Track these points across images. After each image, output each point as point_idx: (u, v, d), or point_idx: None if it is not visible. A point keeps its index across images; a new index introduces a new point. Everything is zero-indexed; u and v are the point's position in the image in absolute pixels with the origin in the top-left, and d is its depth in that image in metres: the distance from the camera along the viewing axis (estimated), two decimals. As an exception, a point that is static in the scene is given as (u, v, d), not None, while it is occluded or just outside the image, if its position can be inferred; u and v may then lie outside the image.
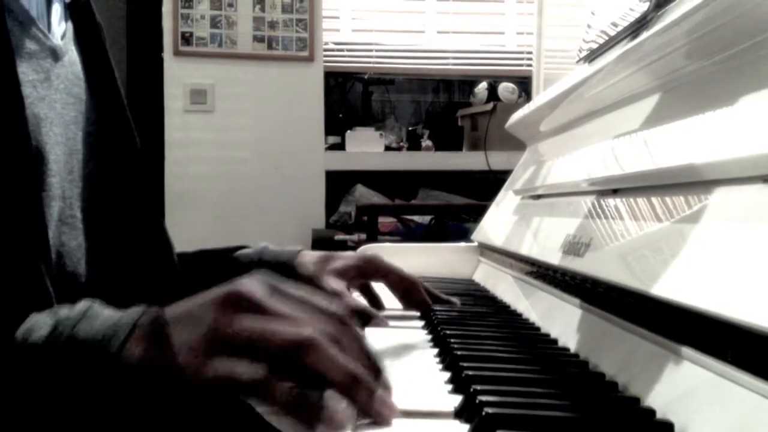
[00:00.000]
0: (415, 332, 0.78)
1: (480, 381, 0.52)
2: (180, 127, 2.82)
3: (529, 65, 3.02)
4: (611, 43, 0.86)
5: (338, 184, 2.93)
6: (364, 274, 0.86)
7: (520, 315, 0.86)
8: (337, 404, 0.46)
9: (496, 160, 2.78)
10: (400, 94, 3.29)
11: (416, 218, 2.80)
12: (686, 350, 0.47)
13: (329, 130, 2.95)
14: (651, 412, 0.47)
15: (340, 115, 3.04)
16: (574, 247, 0.73)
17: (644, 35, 0.71)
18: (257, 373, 0.44)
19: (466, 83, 3.25)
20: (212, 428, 0.70)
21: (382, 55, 3.14)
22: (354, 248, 1.32)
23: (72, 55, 0.74)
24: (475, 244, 1.29)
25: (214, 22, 2.83)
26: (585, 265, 0.69)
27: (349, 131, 2.91)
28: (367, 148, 2.90)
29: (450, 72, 3.22)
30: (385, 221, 2.74)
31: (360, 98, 3.13)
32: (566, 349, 0.67)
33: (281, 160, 2.85)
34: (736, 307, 0.41)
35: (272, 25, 2.86)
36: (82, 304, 0.49)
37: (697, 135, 0.58)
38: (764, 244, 0.42)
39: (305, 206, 2.86)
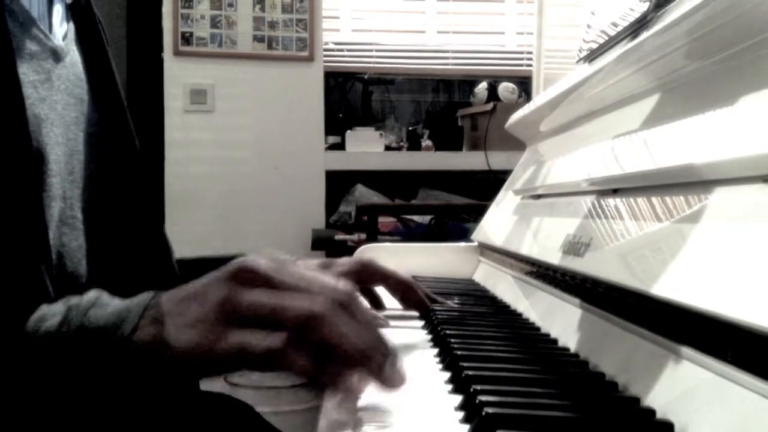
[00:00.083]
0: (415, 332, 0.78)
1: (480, 381, 0.52)
2: (180, 127, 2.82)
3: (529, 65, 3.02)
4: (611, 43, 0.86)
5: (338, 184, 2.93)
6: (362, 279, 0.87)
7: (520, 315, 0.86)
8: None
9: (496, 160, 2.78)
10: (400, 94, 3.29)
11: (416, 218, 2.80)
12: (686, 350, 0.47)
13: (329, 130, 2.95)
14: (651, 412, 0.47)
15: (340, 115, 3.04)
16: (574, 247, 0.73)
17: (644, 35, 0.71)
18: (272, 342, 0.45)
19: (466, 83, 3.25)
20: (213, 428, 0.70)
21: (382, 55, 3.14)
22: (354, 248, 1.32)
23: (74, 56, 0.74)
24: (475, 244, 1.29)
25: (214, 22, 2.83)
26: (585, 265, 0.69)
27: (349, 131, 2.91)
28: (367, 148, 2.90)
29: (450, 72, 3.22)
30: (385, 221, 2.74)
31: (360, 98, 3.13)
32: (566, 349, 0.67)
33: (281, 160, 2.85)
34: (736, 307, 0.41)
35: (272, 25, 2.86)
36: (92, 293, 0.50)
37: (697, 135, 0.58)
38: (764, 244, 0.42)
39: (305, 206, 2.86)
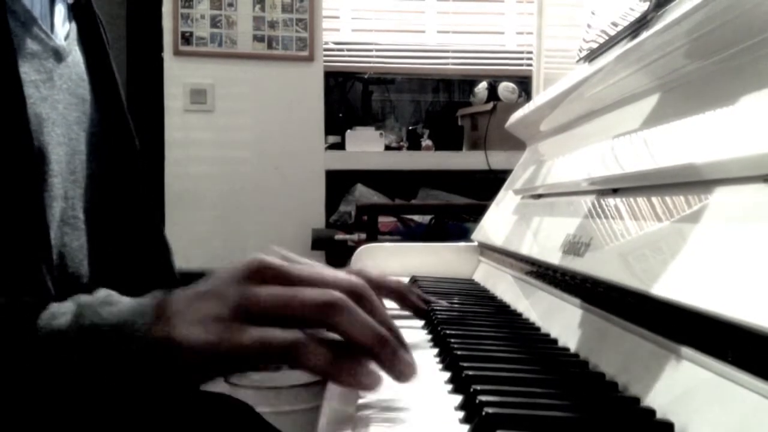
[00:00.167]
0: (415, 332, 0.78)
1: (480, 381, 0.52)
2: (180, 126, 2.82)
3: (529, 65, 3.02)
4: (611, 42, 0.86)
5: (338, 183, 2.93)
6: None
7: (520, 315, 0.86)
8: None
9: (496, 159, 2.78)
10: (400, 94, 3.29)
11: (416, 218, 2.80)
12: (686, 350, 0.47)
13: (329, 130, 2.95)
14: (651, 412, 0.47)
15: (340, 115, 3.04)
16: (574, 246, 0.73)
17: (644, 35, 0.71)
18: (290, 336, 0.45)
19: (466, 83, 3.25)
20: (213, 428, 0.70)
21: (382, 54, 3.14)
22: (354, 248, 1.32)
23: (76, 56, 0.74)
24: (475, 243, 1.29)
25: (214, 22, 2.83)
26: (585, 265, 0.69)
27: (349, 131, 2.91)
28: (367, 148, 2.90)
29: (450, 72, 3.22)
30: (385, 221, 2.74)
31: (360, 98, 3.13)
32: (566, 349, 0.67)
33: (281, 160, 2.85)
34: (736, 307, 0.41)
35: (272, 24, 2.86)
36: (102, 292, 0.49)
37: (697, 135, 0.58)
38: (764, 244, 0.42)
39: (305, 206, 2.86)
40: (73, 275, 0.69)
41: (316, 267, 0.51)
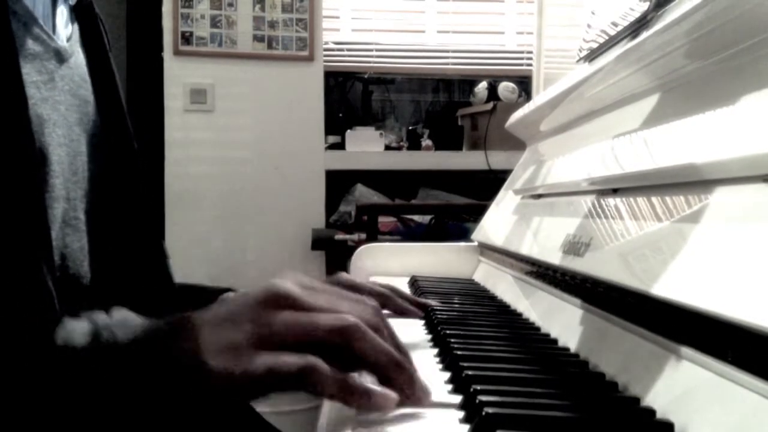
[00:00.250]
0: (415, 332, 0.78)
1: (480, 381, 0.52)
2: (180, 127, 2.82)
3: (529, 65, 3.02)
4: (611, 42, 0.86)
5: (338, 183, 2.93)
6: None
7: (520, 315, 0.86)
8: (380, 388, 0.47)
9: (496, 159, 2.77)
10: (400, 94, 3.29)
11: (416, 218, 2.80)
12: (686, 350, 0.47)
13: (329, 130, 2.95)
14: (651, 412, 0.47)
15: (340, 115, 3.04)
16: (574, 246, 0.73)
17: (644, 35, 0.71)
18: (303, 361, 0.45)
19: (466, 83, 3.25)
20: (213, 428, 0.69)
21: (382, 54, 3.13)
22: (354, 248, 1.32)
23: (78, 57, 0.74)
24: (475, 243, 1.29)
25: (214, 22, 2.83)
26: (585, 265, 0.69)
27: (349, 131, 2.91)
28: (367, 148, 2.90)
29: (450, 72, 3.22)
30: (385, 221, 2.74)
31: (360, 98, 3.13)
32: (566, 349, 0.67)
33: (281, 160, 2.85)
34: (736, 307, 0.41)
35: (272, 24, 2.86)
36: (118, 312, 0.50)
37: (697, 135, 0.58)
38: (764, 244, 0.42)
39: (305, 206, 2.85)
40: (73, 276, 0.69)
41: (332, 291, 0.52)
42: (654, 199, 0.62)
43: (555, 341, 0.71)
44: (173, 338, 0.46)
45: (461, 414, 0.48)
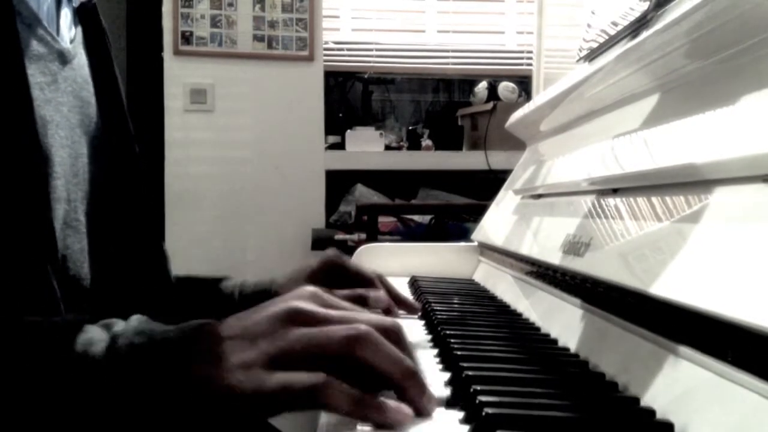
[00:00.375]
0: (415, 332, 0.78)
1: (480, 381, 0.52)
2: (180, 126, 2.82)
3: (529, 65, 3.02)
4: (611, 42, 0.86)
5: (338, 183, 2.93)
6: (332, 276, 0.87)
7: (520, 315, 0.86)
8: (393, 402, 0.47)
9: (496, 159, 2.77)
10: (400, 94, 3.29)
11: (416, 218, 2.80)
12: (686, 350, 0.47)
13: (329, 130, 2.95)
14: (651, 412, 0.47)
15: (340, 115, 3.04)
16: (574, 246, 0.73)
17: (644, 34, 0.71)
18: (315, 378, 0.45)
19: (466, 83, 3.25)
20: (213, 428, 0.69)
21: (383, 54, 3.13)
22: (354, 248, 1.32)
23: (81, 59, 0.74)
24: (475, 243, 1.29)
25: (214, 22, 2.83)
26: (585, 265, 0.69)
27: (349, 131, 2.91)
28: (367, 148, 2.90)
29: (450, 71, 3.22)
30: (385, 221, 2.74)
31: (360, 98, 3.13)
32: (566, 349, 0.67)
33: (281, 160, 2.85)
34: (736, 307, 0.41)
35: (272, 24, 2.86)
36: (135, 320, 0.50)
37: (697, 135, 0.58)
38: (764, 244, 0.42)
39: (305, 206, 2.85)
40: (74, 278, 0.69)
41: (348, 304, 0.52)
42: (654, 199, 0.61)
43: (555, 341, 0.71)
44: (188, 353, 0.47)
45: (461, 414, 0.48)
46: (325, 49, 2.97)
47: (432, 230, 2.65)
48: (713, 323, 0.43)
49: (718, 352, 0.43)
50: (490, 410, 0.44)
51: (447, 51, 3.18)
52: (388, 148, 2.95)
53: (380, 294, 0.84)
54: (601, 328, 0.63)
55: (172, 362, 0.46)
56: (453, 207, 2.82)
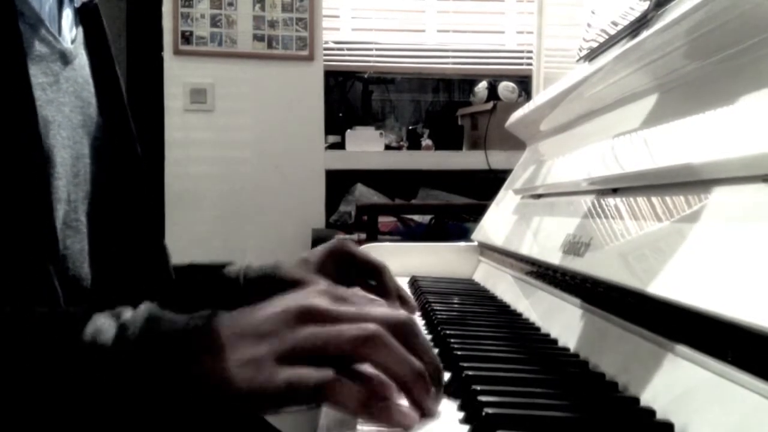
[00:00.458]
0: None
1: (480, 381, 0.52)
2: (180, 126, 2.82)
3: (529, 64, 3.02)
4: (611, 42, 0.86)
5: (338, 183, 2.93)
6: (339, 263, 0.87)
7: (520, 315, 0.86)
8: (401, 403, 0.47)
9: (496, 159, 2.77)
10: (400, 94, 3.29)
11: (416, 218, 2.80)
12: (686, 350, 0.47)
13: (329, 130, 2.95)
14: (651, 412, 0.47)
15: (340, 115, 3.03)
16: (574, 246, 0.73)
17: (644, 34, 0.71)
18: (323, 375, 0.45)
19: (466, 82, 3.25)
20: (213, 428, 0.69)
21: (383, 54, 3.13)
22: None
23: (82, 59, 0.74)
24: (475, 243, 1.29)
25: (214, 21, 2.83)
26: (585, 265, 0.69)
27: (349, 130, 2.91)
28: (367, 148, 2.90)
29: (450, 71, 3.22)
30: (385, 221, 2.74)
31: (360, 97, 3.13)
32: (566, 349, 0.67)
33: (281, 160, 2.85)
34: (736, 307, 0.41)
35: (272, 24, 2.86)
36: (143, 308, 0.49)
37: (697, 134, 0.58)
38: (764, 244, 0.42)
39: (305, 206, 2.85)
40: (74, 278, 0.69)
41: (360, 300, 0.52)
42: (654, 199, 0.61)
43: (555, 341, 0.71)
44: (197, 345, 0.46)
45: (461, 414, 0.48)
46: (325, 49, 2.97)
47: (432, 230, 2.65)
48: (713, 323, 0.43)
49: (718, 352, 0.43)
50: (490, 410, 0.44)
51: (447, 51, 3.18)
52: (388, 147, 2.95)
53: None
54: (601, 328, 0.63)
55: (180, 353, 0.46)
56: (453, 207, 2.82)
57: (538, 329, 0.77)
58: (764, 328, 0.38)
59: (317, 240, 2.63)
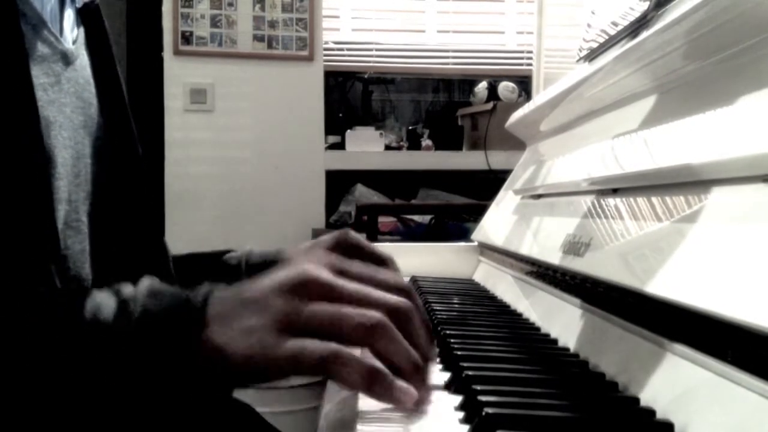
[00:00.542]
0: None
1: (480, 381, 0.52)
2: (180, 126, 2.82)
3: (529, 65, 3.02)
4: (611, 42, 0.86)
5: (338, 183, 2.93)
6: (345, 254, 0.87)
7: (520, 315, 0.86)
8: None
9: (496, 159, 2.78)
10: (400, 94, 3.29)
11: (416, 218, 2.80)
12: (686, 350, 0.47)
13: (329, 130, 2.95)
14: (651, 412, 0.47)
15: (340, 115, 3.04)
16: (574, 246, 0.73)
17: (644, 34, 0.71)
18: (327, 349, 0.45)
19: (466, 83, 3.25)
20: (212, 428, 0.70)
21: (383, 54, 3.14)
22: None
23: (83, 60, 0.74)
24: (475, 243, 1.29)
25: (214, 22, 2.83)
26: (585, 265, 0.69)
27: (349, 131, 2.91)
28: (367, 148, 2.90)
29: (450, 71, 3.22)
30: (385, 221, 2.74)
31: (360, 98, 3.13)
32: (566, 349, 0.67)
33: (281, 160, 2.85)
34: (736, 307, 0.41)
35: (272, 24, 2.86)
36: (145, 282, 0.49)
37: (697, 134, 0.58)
38: (764, 244, 0.42)
39: (305, 206, 2.86)
40: (74, 279, 0.69)
41: (363, 276, 0.52)
42: (654, 199, 0.61)
43: (555, 341, 0.71)
44: (199, 317, 0.46)
45: (461, 414, 0.48)
46: (325, 49, 2.97)
47: (432, 230, 2.65)
48: (713, 323, 0.43)
49: (718, 352, 0.43)
50: (490, 410, 0.44)
51: (447, 51, 3.18)
52: (388, 148, 2.95)
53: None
54: (601, 328, 0.63)
55: (182, 326, 0.46)
56: (453, 207, 2.82)
57: (538, 329, 0.77)
58: (764, 328, 0.38)
59: (317, 240, 2.63)
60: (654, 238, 0.58)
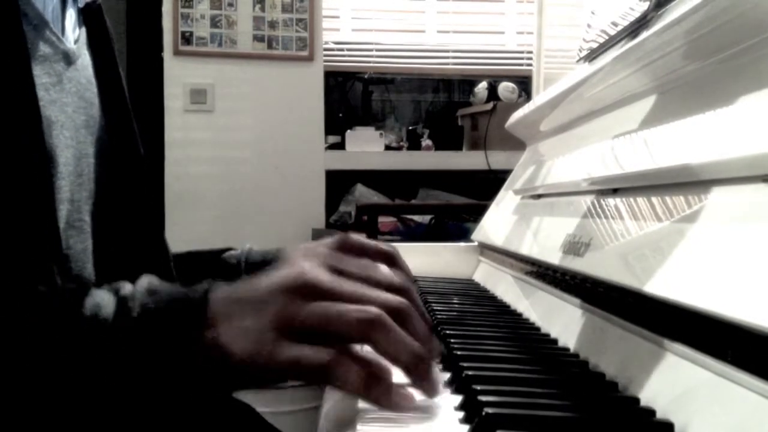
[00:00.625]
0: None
1: (480, 381, 0.52)
2: (180, 127, 2.82)
3: (530, 65, 3.02)
4: (611, 42, 0.86)
5: (338, 183, 2.93)
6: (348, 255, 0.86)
7: (520, 315, 0.86)
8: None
9: (496, 159, 2.78)
10: (400, 94, 3.29)
11: (416, 218, 2.80)
12: (686, 350, 0.47)
13: (329, 130, 2.95)
14: (651, 412, 0.47)
15: (340, 115, 3.04)
16: (574, 246, 0.73)
17: (644, 35, 0.71)
18: (326, 355, 0.45)
19: (466, 83, 3.25)
20: (213, 428, 0.70)
21: (383, 54, 3.14)
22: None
23: (85, 60, 0.74)
24: (475, 243, 1.29)
25: (214, 22, 2.83)
26: (585, 265, 0.69)
27: (349, 131, 2.91)
28: (367, 148, 2.90)
29: (450, 71, 3.22)
30: (385, 221, 2.74)
31: (360, 98, 3.13)
32: (566, 349, 0.67)
33: (281, 160, 2.85)
34: (736, 307, 0.41)
35: (272, 24, 2.86)
36: (144, 281, 0.49)
37: (697, 135, 0.58)
38: (764, 244, 0.42)
39: (305, 206, 2.86)
40: (77, 278, 0.69)
41: (361, 274, 0.52)
42: (654, 199, 0.61)
43: (555, 341, 0.71)
44: (198, 316, 0.46)
45: (461, 414, 0.48)
46: (325, 49, 2.97)
47: (432, 230, 2.65)
48: (713, 323, 0.43)
49: (718, 352, 0.43)
50: (490, 410, 0.45)
51: (447, 51, 3.18)
52: (388, 148, 2.95)
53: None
54: (601, 328, 0.63)
55: (181, 325, 0.46)
56: (453, 207, 2.82)
57: (538, 329, 0.77)
58: (764, 328, 0.38)
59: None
60: (654, 238, 0.58)
